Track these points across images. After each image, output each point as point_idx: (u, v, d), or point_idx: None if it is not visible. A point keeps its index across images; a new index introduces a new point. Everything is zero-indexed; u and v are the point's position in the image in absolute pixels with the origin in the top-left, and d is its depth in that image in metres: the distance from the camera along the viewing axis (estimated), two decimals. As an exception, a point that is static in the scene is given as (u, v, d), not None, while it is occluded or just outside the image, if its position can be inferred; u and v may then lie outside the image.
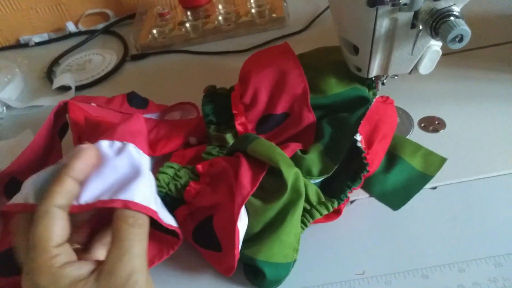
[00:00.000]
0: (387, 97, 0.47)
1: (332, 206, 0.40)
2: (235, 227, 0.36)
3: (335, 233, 0.41)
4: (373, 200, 0.43)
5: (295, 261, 0.38)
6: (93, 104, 0.49)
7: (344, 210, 0.42)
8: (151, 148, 0.46)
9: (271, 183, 0.39)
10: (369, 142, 0.43)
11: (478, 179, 0.43)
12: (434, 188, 0.43)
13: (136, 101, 0.53)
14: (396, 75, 0.45)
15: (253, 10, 0.73)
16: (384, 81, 0.46)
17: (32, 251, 0.28)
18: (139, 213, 0.31)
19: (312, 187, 0.40)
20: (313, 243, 0.40)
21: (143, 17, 0.79)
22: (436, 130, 0.48)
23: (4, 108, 0.67)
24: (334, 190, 0.41)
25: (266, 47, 0.67)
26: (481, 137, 0.46)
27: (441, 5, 0.36)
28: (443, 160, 0.44)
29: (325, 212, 0.40)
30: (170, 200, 0.41)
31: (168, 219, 0.35)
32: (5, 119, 0.66)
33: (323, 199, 0.40)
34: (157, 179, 0.41)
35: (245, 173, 0.39)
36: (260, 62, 0.48)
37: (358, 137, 0.42)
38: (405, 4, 0.35)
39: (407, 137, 0.48)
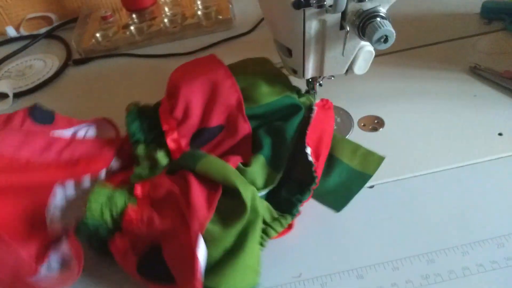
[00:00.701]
0: (327, 101, 0.47)
1: (286, 222, 0.39)
2: (195, 258, 0.33)
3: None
4: (309, 201, 0.43)
5: (257, 284, 0.36)
6: None
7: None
8: (69, 169, 0.42)
9: (225, 204, 0.37)
10: (317, 154, 0.42)
11: (414, 177, 0.43)
12: (371, 187, 0.43)
13: (40, 115, 0.46)
14: (332, 76, 0.45)
15: (199, 12, 0.72)
16: (321, 82, 0.47)
17: None
18: None
19: (262, 203, 0.39)
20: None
21: (87, 21, 0.77)
22: (375, 129, 0.49)
23: None
24: (283, 203, 0.40)
25: (212, 50, 0.67)
26: (418, 135, 0.47)
27: (367, 6, 0.36)
28: (381, 159, 0.44)
29: (280, 229, 0.38)
30: (102, 232, 0.37)
31: None
32: None
33: (275, 215, 0.39)
34: (87, 209, 0.37)
35: (198, 195, 0.36)
36: (188, 74, 0.46)
37: (308, 149, 0.41)
38: (330, 6, 0.35)
39: (347, 136, 0.48)
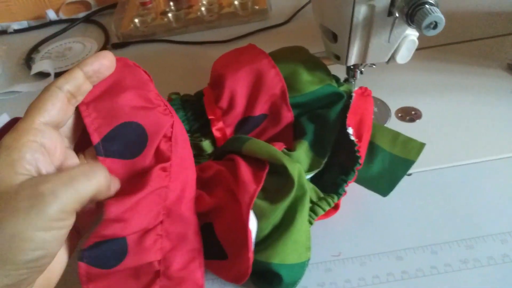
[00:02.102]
0: (365, 88, 0.47)
1: (333, 201, 0.39)
2: (247, 229, 0.34)
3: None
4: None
5: (309, 259, 0.37)
6: None
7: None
8: None
9: (272, 182, 0.37)
10: (358, 135, 0.43)
11: (451, 167, 0.44)
12: (409, 174, 0.44)
13: None
14: (374, 64, 0.46)
15: (236, 2, 0.74)
16: (362, 69, 0.47)
17: (20, 120, 0.28)
18: None
19: (309, 184, 0.40)
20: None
21: (125, 6, 0.79)
22: (412, 120, 0.49)
23: (-19, 93, 0.66)
24: (327, 185, 0.41)
25: (247, 40, 0.68)
26: (454, 127, 0.48)
27: (417, -7, 0.37)
28: (422, 145, 0.43)
29: (327, 207, 0.39)
30: None
31: None
32: (-18, 105, 0.65)
33: (321, 195, 0.40)
34: None
35: (246, 172, 0.37)
36: (232, 64, 0.46)
37: (350, 130, 0.41)
38: (382, -9, 0.36)
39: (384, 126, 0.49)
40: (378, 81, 0.53)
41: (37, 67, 0.67)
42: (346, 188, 0.40)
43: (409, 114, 0.50)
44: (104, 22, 0.80)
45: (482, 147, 0.45)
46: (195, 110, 0.47)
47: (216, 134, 0.45)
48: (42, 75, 0.68)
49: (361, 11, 0.39)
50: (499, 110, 0.49)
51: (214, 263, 0.37)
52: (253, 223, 0.35)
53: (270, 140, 0.44)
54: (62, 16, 0.84)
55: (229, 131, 0.45)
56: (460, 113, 0.49)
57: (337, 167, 0.42)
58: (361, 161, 0.41)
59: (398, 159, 0.43)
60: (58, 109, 0.29)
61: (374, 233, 0.39)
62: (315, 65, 0.47)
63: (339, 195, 0.40)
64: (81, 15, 0.83)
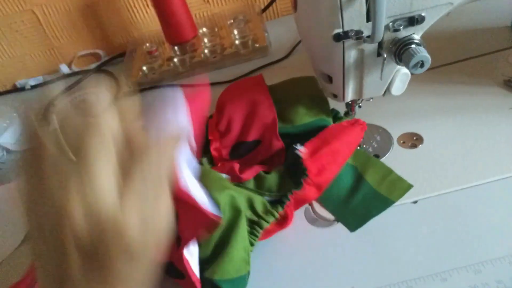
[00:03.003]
0: (357, 120, 0.49)
1: (277, 212, 0.43)
2: (183, 259, 0.39)
3: (323, 251, 0.43)
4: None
5: (248, 273, 0.42)
6: None
7: (329, 229, 0.45)
8: None
9: None
10: (313, 151, 0.45)
11: (455, 191, 0.45)
12: (415, 202, 0.45)
13: None
14: (371, 98, 0.48)
15: (237, 42, 0.77)
16: (360, 104, 0.49)
17: None
18: None
19: (258, 199, 0.44)
20: (303, 261, 0.43)
21: (133, 55, 0.83)
22: (414, 146, 0.51)
23: (4, 152, 0.70)
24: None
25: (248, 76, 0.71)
26: (457, 149, 0.49)
27: (402, 34, 0.39)
28: (409, 187, 0.46)
29: (271, 219, 0.43)
30: None
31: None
32: (6, 163, 0.69)
33: (268, 207, 0.44)
34: None
35: None
36: (234, 93, 0.53)
37: (299, 146, 0.45)
38: (368, 37, 0.39)
39: (387, 154, 0.50)
40: (379, 110, 0.55)
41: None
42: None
43: (411, 140, 0.52)
44: (115, 71, 0.84)
45: (486, 168, 0.46)
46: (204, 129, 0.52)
47: (214, 153, 0.51)
48: (60, 129, 0.72)
49: (352, 55, 0.41)
50: (500, 128, 0.50)
51: (178, 281, 0.42)
52: (191, 249, 0.40)
53: (264, 162, 0.50)
54: (75, 68, 0.89)
55: (225, 152, 0.51)
56: (461, 135, 0.51)
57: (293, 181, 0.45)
58: (316, 176, 0.44)
59: (380, 197, 0.45)
60: None
61: (384, 264, 0.41)
62: (315, 98, 0.51)
63: (282, 204, 0.43)
64: (93, 66, 0.88)
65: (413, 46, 0.38)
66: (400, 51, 0.39)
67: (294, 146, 0.44)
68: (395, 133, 0.53)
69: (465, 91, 0.57)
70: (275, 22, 0.87)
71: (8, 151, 0.70)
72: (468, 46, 0.64)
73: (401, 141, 0.52)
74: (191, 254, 0.40)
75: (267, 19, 0.88)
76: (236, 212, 0.42)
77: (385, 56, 0.40)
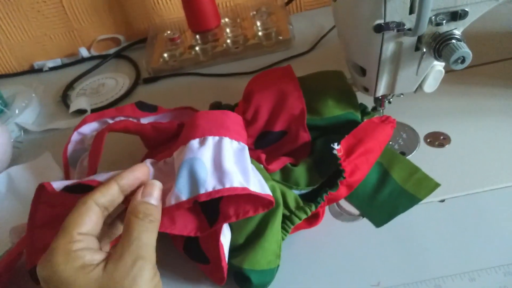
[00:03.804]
0: (387, 117, 0.49)
1: (310, 210, 0.42)
2: (218, 243, 0.39)
3: (348, 245, 0.43)
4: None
5: (278, 266, 0.41)
6: (106, 118, 0.51)
7: (354, 224, 0.44)
8: None
9: None
10: (349, 152, 0.44)
11: (484, 192, 0.44)
12: (442, 201, 0.45)
13: (146, 107, 0.54)
14: (402, 94, 0.48)
15: (260, 33, 0.76)
16: (391, 99, 0.49)
17: (58, 234, 0.30)
18: (151, 209, 0.33)
19: (291, 194, 0.43)
20: (329, 256, 0.42)
21: (154, 42, 0.82)
22: (441, 145, 0.50)
23: (22, 132, 0.70)
24: (314, 197, 0.44)
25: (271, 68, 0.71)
26: (485, 150, 0.48)
27: (443, 29, 0.39)
28: (436, 186, 0.45)
29: (303, 216, 0.42)
30: None
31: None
32: (23, 143, 0.68)
33: (301, 204, 0.43)
34: None
35: None
36: (263, 83, 0.52)
37: (335, 145, 0.43)
38: (409, 30, 0.38)
39: (413, 152, 0.50)
40: (406, 107, 0.55)
41: (75, 105, 0.71)
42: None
43: (438, 139, 0.51)
44: (134, 57, 0.84)
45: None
46: None
47: None
48: (79, 111, 0.71)
49: (389, 48, 0.41)
50: (529, 132, 0.50)
51: (201, 266, 0.42)
52: (227, 235, 0.40)
53: (288, 155, 0.49)
54: (94, 52, 0.89)
55: (250, 141, 0.50)
56: (489, 137, 0.50)
57: (328, 182, 0.45)
58: (350, 176, 0.43)
59: (407, 194, 0.45)
60: (94, 223, 0.32)
61: (411, 261, 0.40)
62: (344, 92, 0.50)
63: (317, 204, 0.42)
64: (112, 51, 0.87)
65: (454, 41, 0.38)
66: (440, 46, 0.38)
67: (332, 145, 0.43)
68: (422, 132, 0.52)
69: (493, 93, 0.56)
70: (298, 16, 0.87)
71: (26, 130, 0.70)
72: (499, 48, 0.63)
73: (428, 140, 0.51)
74: (224, 240, 0.39)
75: (290, 13, 0.87)
76: (274, 205, 0.40)
77: (424, 50, 0.40)
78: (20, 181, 0.59)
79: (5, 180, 0.58)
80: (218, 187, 0.36)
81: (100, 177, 0.36)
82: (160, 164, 0.41)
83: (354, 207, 0.46)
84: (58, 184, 0.36)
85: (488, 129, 0.51)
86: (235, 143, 0.41)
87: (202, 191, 0.36)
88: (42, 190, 0.37)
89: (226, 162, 0.38)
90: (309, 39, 0.76)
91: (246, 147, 0.41)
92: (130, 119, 0.51)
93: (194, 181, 0.36)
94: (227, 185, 0.36)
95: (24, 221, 0.44)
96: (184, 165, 0.37)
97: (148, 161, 0.41)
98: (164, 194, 0.37)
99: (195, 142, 0.39)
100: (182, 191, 0.36)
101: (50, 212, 0.39)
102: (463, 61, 0.37)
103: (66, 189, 0.36)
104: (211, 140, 0.39)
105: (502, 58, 0.61)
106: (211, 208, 0.39)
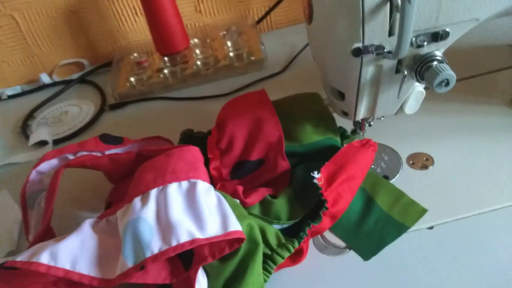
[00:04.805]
0: (368, 140, 0.47)
1: (293, 247, 0.39)
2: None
3: (336, 281, 0.40)
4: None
5: None
6: (68, 154, 0.47)
7: (340, 258, 0.42)
8: None
9: None
10: (330, 180, 0.42)
11: (473, 216, 0.43)
12: (431, 227, 0.42)
13: (111, 139, 0.51)
14: (382, 116, 0.46)
15: (231, 54, 0.74)
16: (371, 122, 0.47)
17: None
18: None
19: (271, 230, 0.40)
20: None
21: (120, 65, 0.78)
22: (425, 167, 0.48)
23: (-21, 166, 0.65)
24: (296, 230, 0.41)
25: (245, 91, 0.68)
26: (470, 171, 0.47)
27: (424, 50, 0.37)
28: (423, 211, 0.43)
29: (286, 254, 0.39)
30: None
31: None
32: (-19, 177, 0.63)
33: (283, 240, 0.40)
34: None
35: None
36: (236, 109, 0.49)
37: (316, 174, 0.41)
38: (389, 52, 0.36)
39: (397, 176, 0.48)
40: (386, 128, 0.53)
41: (35, 137, 0.66)
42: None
43: (421, 161, 0.49)
44: (99, 82, 0.80)
45: (503, 191, 0.44)
46: (201, 147, 0.47)
47: (213, 172, 0.47)
48: (40, 142, 0.67)
49: (369, 71, 0.39)
50: None
51: None
52: (202, 282, 0.36)
53: (267, 184, 0.46)
54: (56, 78, 0.84)
55: (225, 171, 0.47)
56: (473, 156, 0.48)
57: (310, 213, 0.42)
58: (332, 206, 0.40)
59: (394, 222, 0.43)
60: None
61: (404, 296, 0.38)
62: (322, 115, 0.48)
63: (300, 239, 0.40)
64: (75, 76, 0.83)
65: (436, 63, 0.36)
66: (422, 68, 0.37)
67: (312, 174, 0.40)
68: (404, 153, 0.50)
69: (472, 109, 0.55)
70: (269, 34, 0.85)
71: (-17, 164, 0.65)
72: (472, 64, 0.63)
73: (411, 162, 0.49)
74: (200, 286, 0.36)
75: (261, 31, 0.85)
76: (253, 244, 0.37)
77: (405, 73, 0.38)
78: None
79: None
80: (164, 247, 0.33)
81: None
82: (102, 224, 0.39)
83: (340, 239, 0.43)
84: None
85: (471, 148, 0.50)
86: (184, 184, 0.38)
87: (148, 254, 0.33)
88: None
89: (172, 213, 0.35)
90: (282, 58, 0.74)
91: (199, 182, 0.38)
92: (94, 153, 0.47)
93: (138, 244, 0.34)
94: (173, 243, 0.33)
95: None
96: (128, 228, 0.35)
97: (88, 223, 0.38)
98: (107, 257, 0.35)
99: (137, 200, 0.37)
100: (128, 257, 0.34)
101: None
102: (447, 84, 0.36)
103: (3, 267, 0.35)
104: (153, 194, 0.37)
105: (480, 72, 0.61)
106: (185, 251, 0.36)
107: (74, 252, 0.35)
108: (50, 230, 0.43)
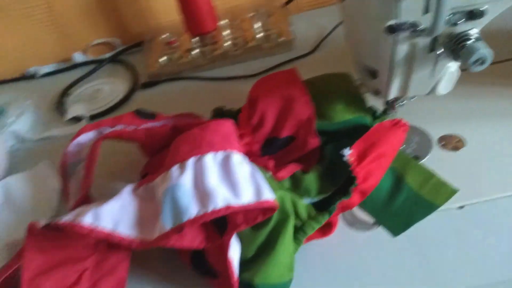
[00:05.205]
0: (399, 120, 0.47)
1: (323, 219, 0.40)
2: (227, 257, 0.37)
3: (364, 255, 0.41)
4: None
5: (291, 279, 0.39)
6: (104, 127, 0.49)
7: (371, 233, 0.42)
8: None
9: None
10: (361, 158, 0.42)
11: (504, 197, 0.43)
12: (461, 207, 0.43)
13: (144, 114, 0.53)
14: (414, 96, 0.46)
15: (259, 35, 0.74)
16: (403, 103, 0.47)
17: None
18: None
19: (302, 204, 0.41)
20: (344, 266, 0.40)
21: (151, 45, 0.80)
22: (456, 148, 0.48)
23: (17, 141, 0.67)
24: (326, 206, 0.42)
25: (275, 71, 0.69)
26: (502, 153, 0.47)
27: (461, 28, 0.37)
28: (453, 192, 0.43)
29: (316, 226, 0.40)
30: None
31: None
32: (19, 151, 0.66)
33: (313, 213, 0.41)
34: None
35: None
36: (267, 87, 0.50)
37: (347, 151, 0.42)
38: (424, 30, 0.36)
39: (426, 157, 0.48)
40: (418, 110, 0.52)
41: (71, 112, 0.68)
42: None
43: (452, 142, 0.49)
44: (130, 62, 0.81)
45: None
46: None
47: (244, 148, 0.48)
48: (75, 118, 0.69)
49: (403, 49, 0.39)
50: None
51: (209, 280, 0.40)
52: (236, 248, 0.38)
53: (296, 161, 0.47)
54: (89, 57, 0.86)
55: (256, 147, 0.48)
56: (506, 138, 0.48)
57: (340, 189, 0.43)
58: (362, 183, 0.41)
59: (423, 201, 0.43)
60: None
61: (430, 271, 0.38)
62: (353, 95, 0.49)
63: (330, 213, 0.40)
64: (107, 55, 0.85)
65: (472, 41, 0.36)
66: (458, 46, 0.36)
67: (341, 152, 0.41)
68: (435, 135, 0.50)
69: (507, 94, 0.54)
70: (298, 17, 0.84)
71: (21, 139, 0.68)
72: (507, 46, 0.61)
73: (442, 143, 0.49)
74: (234, 253, 0.37)
75: (289, 13, 0.85)
76: (284, 215, 0.39)
77: (440, 51, 0.38)
78: (17, 192, 0.56)
79: (2, 190, 0.56)
80: (201, 212, 0.35)
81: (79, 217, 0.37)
82: (141, 190, 0.41)
83: (369, 215, 0.44)
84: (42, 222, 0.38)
85: (505, 131, 0.49)
86: (219, 155, 0.40)
87: (185, 218, 0.35)
88: (31, 232, 0.39)
89: (208, 180, 0.37)
90: (311, 40, 0.74)
91: (234, 153, 0.40)
92: (129, 127, 0.49)
93: (177, 209, 0.36)
94: (210, 208, 0.35)
95: (20, 234, 0.42)
96: (167, 194, 0.37)
97: (128, 189, 0.41)
98: (146, 220, 0.37)
99: (175, 168, 0.39)
100: (166, 221, 0.36)
101: (42, 260, 0.39)
102: (483, 62, 0.35)
103: (49, 227, 0.38)
104: (191, 163, 0.39)
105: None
106: (220, 218, 0.37)
107: (115, 215, 0.37)
108: (88, 198, 0.45)
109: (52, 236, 0.39)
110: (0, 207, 0.55)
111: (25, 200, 0.55)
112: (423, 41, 0.38)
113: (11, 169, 0.61)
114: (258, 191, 0.37)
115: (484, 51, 0.35)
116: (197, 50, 0.75)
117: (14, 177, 0.58)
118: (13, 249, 0.45)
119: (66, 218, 0.37)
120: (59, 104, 0.74)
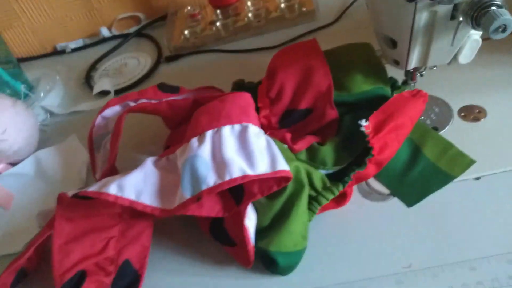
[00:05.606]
0: (419, 91, 0.46)
1: (337, 190, 0.41)
2: (243, 225, 0.38)
3: (378, 225, 0.41)
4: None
5: (305, 248, 0.40)
6: (129, 101, 0.51)
7: (384, 204, 0.43)
8: None
9: None
10: (378, 128, 0.42)
11: (523, 168, 0.42)
12: (478, 178, 0.42)
13: (168, 88, 0.54)
14: (435, 66, 0.45)
15: (282, 5, 0.74)
16: (423, 72, 0.46)
17: None
18: None
19: (317, 174, 0.42)
20: (358, 236, 0.41)
21: (174, 18, 0.81)
22: (477, 119, 0.48)
23: (48, 115, 0.71)
24: (342, 176, 0.43)
25: (295, 42, 0.68)
26: (525, 124, 0.46)
27: (481, -5, 0.36)
28: (471, 162, 0.43)
29: (330, 196, 0.41)
30: None
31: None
32: (50, 126, 0.69)
33: (328, 184, 0.42)
34: None
35: None
36: (287, 59, 0.50)
37: (364, 122, 0.42)
38: (444, -3, 0.35)
39: (446, 127, 0.48)
40: (438, 80, 0.52)
41: (98, 86, 0.71)
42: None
43: (473, 113, 0.48)
44: (155, 35, 0.82)
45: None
46: (252, 96, 0.49)
47: (262, 120, 0.48)
48: (103, 92, 0.71)
49: (423, 17, 0.38)
50: None
51: (228, 248, 0.42)
52: (252, 217, 0.40)
53: (314, 133, 0.47)
54: (115, 32, 0.88)
55: (274, 120, 0.49)
56: (528, 109, 0.47)
57: (356, 160, 0.43)
58: (378, 154, 0.41)
59: (440, 172, 0.43)
60: None
61: (445, 242, 0.39)
62: (373, 65, 0.48)
63: (344, 183, 0.41)
64: (133, 29, 0.86)
65: (494, 8, 0.35)
66: (479, 14, 0.35)
67: (359, 122, 0.41)
68: (456, 105, 0.50)
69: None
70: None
71: (51, 113, 0.71)
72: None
73: (462, 114, 0.49)
74: (250, 222, 0.39)
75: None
76: (299, 185, 0.40)
77: (460, 19, 0.37)
78: (47, 164, 0.60)
79: (33, 163, 0.59)
80: (218, 181, 0.37)
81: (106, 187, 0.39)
82: (163, 162, 0.43)
83: (384, 186, 0.44)
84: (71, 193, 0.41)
85: (528, 101, 0.48)
86: (237, 127, 0.41)
87: (204, 187, 0.37)
88: (61, 202, 0.41)
89: (226, 151, 0.38)
90: (333, 10, 0.73)
91: (250, 125, 0.41)
92: (153, 101, 0.50)
93: (195, 178, 0.38)
94: (227, 178, 0.37)
95: (51, 204, 0.45)
96: (186, 164, 0.38)
97: (150, 160, 0.42)
98: (167, 190, 0.39)
99: (194, 140, 0.40)
100: (186, 190, 0.38)
101: (71, 228, 0.42)
102: (504, 29, 0.34)
103: (77, 196, 0.40)
104: (209, 135, 0.40)
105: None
106: (236, 188, 0.39)
107: (138, 185, 0.39)
108: (114, 168, 0.48)
109: (81, 206, 0.42)
110: (32, 179, 0.58)
111: (56, 172, 0.58)
112: (443, 9, 0.37)
113: (42, 143, 0.64)
114: (273, 162, 0.38)
115: (506, 18, 0.34)
116: (219, 22, 0.75)
117: (45, 151, 0.61)
118: (44, 218, 0.48)
119: (93, 188, 0.40)
120: (87, 79, 0.77)
